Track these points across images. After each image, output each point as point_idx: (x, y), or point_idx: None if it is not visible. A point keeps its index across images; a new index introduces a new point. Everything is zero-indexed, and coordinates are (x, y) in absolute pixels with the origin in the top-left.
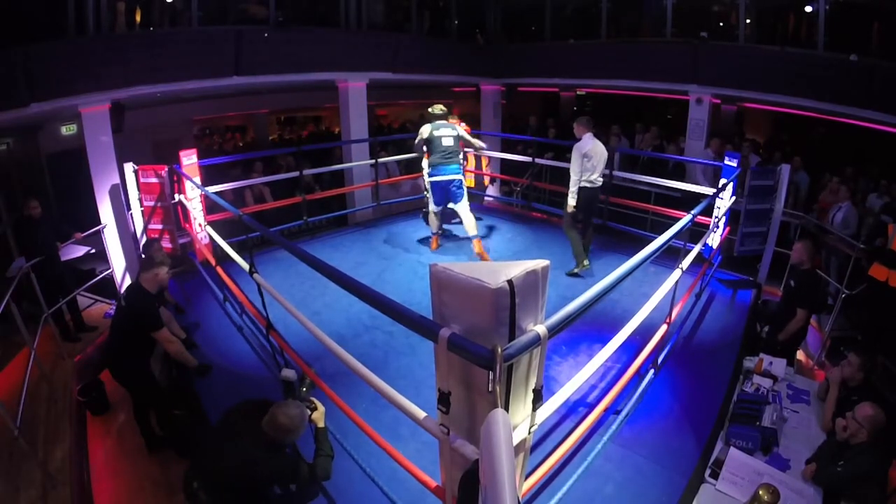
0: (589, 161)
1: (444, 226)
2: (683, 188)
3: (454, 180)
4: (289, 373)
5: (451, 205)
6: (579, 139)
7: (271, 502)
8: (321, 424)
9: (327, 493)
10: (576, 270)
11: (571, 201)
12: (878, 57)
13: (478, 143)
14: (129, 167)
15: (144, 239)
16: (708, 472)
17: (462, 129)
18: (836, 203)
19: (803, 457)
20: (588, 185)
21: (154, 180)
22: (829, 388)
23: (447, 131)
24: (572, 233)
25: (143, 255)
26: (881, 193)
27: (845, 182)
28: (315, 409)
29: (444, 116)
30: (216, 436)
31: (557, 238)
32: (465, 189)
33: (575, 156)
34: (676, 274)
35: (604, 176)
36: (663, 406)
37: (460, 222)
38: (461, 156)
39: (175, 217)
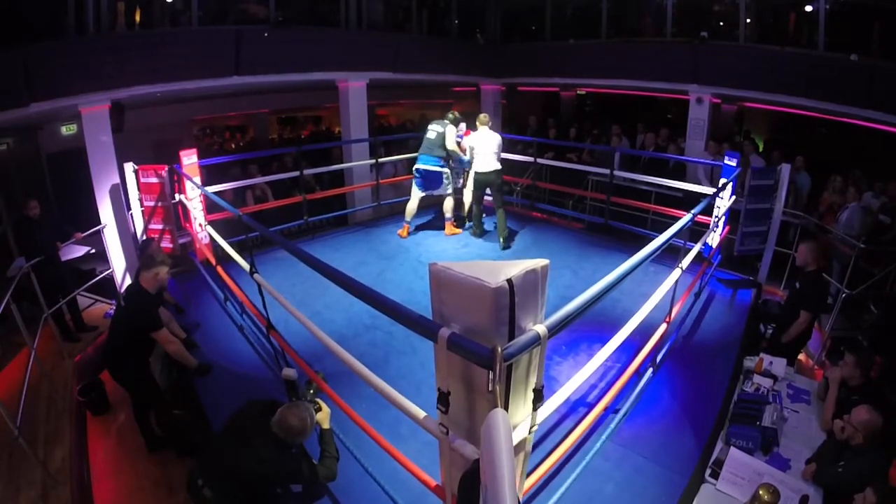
0: (473, 151)
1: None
2: (684, 188)
3: (421, 169)
4: (290, 372)
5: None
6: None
7: (276, 502)
8: (326, 426)
9: (329, 492)
10: (465, 228)
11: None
12: (878, 57)
13: (454, 148)
14: (129, 167)
15: (143, 238)
16: (708, 471)
17: (450, 130)
18: (844, 203)
19: (803, 457)
20: (478, 171)
21: (154, 180)
22: (829, 388)
23: (434, 126)
24: (475, 206)
25: (140, 256)
26: (877, 193)
27: (853, 182)
28: (320, 410)
29: (452, 120)
30: (224, 435)
31: (558, 238)
32: (446, 180)
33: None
34: (676, 273)
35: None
36: (663, 405)
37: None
38: (441, 149)
39: (175, 217)
